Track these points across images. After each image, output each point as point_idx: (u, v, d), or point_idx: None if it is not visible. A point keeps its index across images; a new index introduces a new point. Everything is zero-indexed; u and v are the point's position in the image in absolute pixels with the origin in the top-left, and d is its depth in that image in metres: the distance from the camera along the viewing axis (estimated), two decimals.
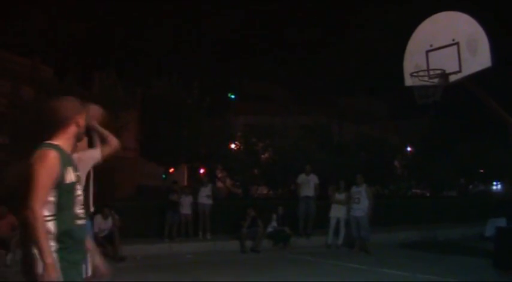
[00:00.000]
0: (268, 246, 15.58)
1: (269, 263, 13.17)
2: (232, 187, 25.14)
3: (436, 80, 11.01)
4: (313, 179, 16.96)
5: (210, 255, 14.31)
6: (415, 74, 11.15)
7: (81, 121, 3.95)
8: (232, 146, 23.63)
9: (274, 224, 16.01)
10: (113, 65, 22.30)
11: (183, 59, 25.84)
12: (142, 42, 23.96)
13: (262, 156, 23.11)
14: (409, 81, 11.44)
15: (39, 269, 3.43)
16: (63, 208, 3.65)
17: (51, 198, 3.60)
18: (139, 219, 15.80)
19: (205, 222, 16.33)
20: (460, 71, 10.69)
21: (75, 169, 3.85)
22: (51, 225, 3.57)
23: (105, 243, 13.34)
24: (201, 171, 27.75)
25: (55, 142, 3.79)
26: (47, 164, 3.61)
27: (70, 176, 3.72)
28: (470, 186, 37.16)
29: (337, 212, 15.94)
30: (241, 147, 23.21)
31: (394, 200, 24.49)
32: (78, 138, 3.99)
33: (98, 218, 13.55)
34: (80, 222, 3.76)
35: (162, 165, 23.02)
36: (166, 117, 19.85)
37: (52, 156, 3.64)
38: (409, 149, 31.38)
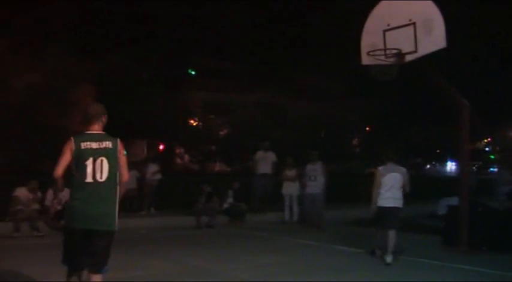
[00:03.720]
0: (224, 222, 15.64)
1: (223, 239, 13.22)
2: (189, 163, 25.14)
3: (392, 59, 11.11)
4: (271, 156, 17.04)
5: (165, 230, 14.29)
6: (371, 53, 11.23)
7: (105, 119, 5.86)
8: (192, 122, 23.57)
9: (230, 199, 16.06)
10: (68, 38, 21.87)
11: (140, 33, 25.46)
12: (99, 15, 23.49)
13: (220, 132, 23.13)
14: (365, 60, 11.51)
15: None
16: None
17: None
18: None
19: (149, 198, 16.49)
20: (415, 51, 10.79)
21: None
22: None
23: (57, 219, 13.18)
24: (161, 147, 27.65)
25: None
26: None
27: None
28: (428, 166, 37.81)
29: (289, 188, 16.07)
30: (200, 123, 23.18)
31: (349, 178, 24.79)
32: None
33: (50, 193, 13.36)
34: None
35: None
36: (122, 92, 19.65)
37: None
38: (367, 128, 31.72)
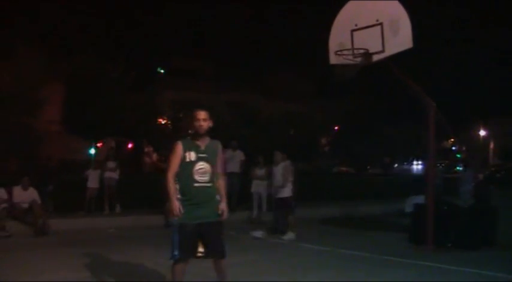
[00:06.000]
0: None
1: None
2: (158, 162, 24.95)
3: (359, 59, 11.22)
4: (239, 155, 17.07)
5: (133, 229, 14.25)
6: (339, 53, 11.33)
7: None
8: (162, 121, 23.47)
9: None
10: (37, 36, 21.67)
11: (109, 32, 25.33)
12: (69, 13, 23.32)
13: (190, 131, 23.06)
14: (333, 60, 11.61)
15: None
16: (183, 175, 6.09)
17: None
18: (61, 193, 15.75)
19: (110, 197, 16.45)
20: (383, 51, 10.92)
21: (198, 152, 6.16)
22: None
23: (25, 215, 13.11)
24: (129, 145, 27.47)
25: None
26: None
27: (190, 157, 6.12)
28: (396, 165, 38.21)
29: (258, 187, 16.11)
30: (169, 122, 23.11)
31: (318, 177, 24.94)
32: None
33: (18, 189, 13.27)
34: (196, 185, 6.07)
35: (86, 139, 22.64)
36: (91, 90, 19.52)
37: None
38: (336, 127, 31.93)
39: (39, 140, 20.18)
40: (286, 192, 13.02)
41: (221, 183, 6.35)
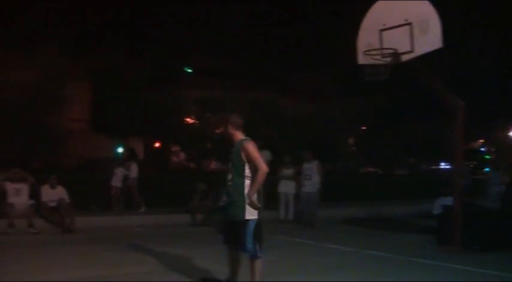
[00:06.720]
0: (220, 220, 15.58)
1: (219, 237, 13.18)
2: (185, 161, 25.09)
3: (388, 59, 11.13)
4: (266, 155, 16.98)
5: (159, 228, 14.31)
6: (367, 53, 11.25)
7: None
8: (189, 120, 23.54)
9: (225, 198, 15.98)
10: (62, 34, 21.81)
11: (137, 31, 25.46)
12: (95, 12, 23.44)
13: (216, 130, 23.11)
14: (362, 60, 11.53)
15: None
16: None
17: None
18: (86, 191, 15.91)
19: (133, 196, 16.51)
20: (412, 51, 10.80)
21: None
22: None
23: (52, 213, 13.25)
24: (157, 144, 27.61)
25: None
26: None
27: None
28: (424, 165, 37.85)
29: (285, 187, 16.08)
30: (196, 121, 23.16)
31: (345, 177, 24.81)
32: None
33: (46, 188, 13.42)
34: (227, 184, 6.77)
35: (112, 138, 22.77)
36: (116, 89, 19.61)
37: None
38: (363, 127, 31.76)
39: (64, 138, 20.30)
40: None
41: (255, 179, 6.60)
